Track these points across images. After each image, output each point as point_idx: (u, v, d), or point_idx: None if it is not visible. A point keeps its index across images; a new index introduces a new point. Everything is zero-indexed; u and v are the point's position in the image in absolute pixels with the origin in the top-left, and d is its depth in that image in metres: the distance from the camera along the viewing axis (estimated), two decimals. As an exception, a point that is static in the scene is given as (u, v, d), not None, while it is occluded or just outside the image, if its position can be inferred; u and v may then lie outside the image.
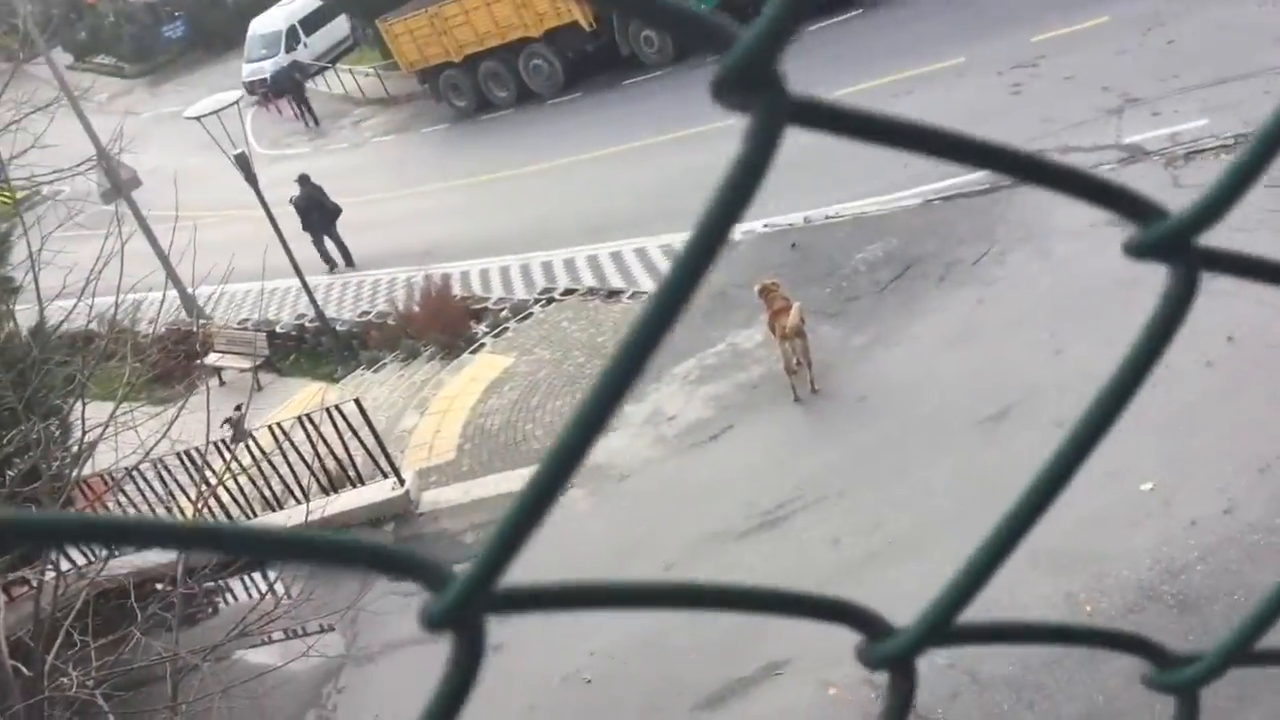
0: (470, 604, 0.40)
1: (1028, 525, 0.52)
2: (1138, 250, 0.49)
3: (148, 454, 7.64)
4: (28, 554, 7.34)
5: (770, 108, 0.39)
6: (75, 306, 7.70)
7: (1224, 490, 7.19)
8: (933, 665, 6.87)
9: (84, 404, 7.71)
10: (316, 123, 29.16)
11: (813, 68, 17.76)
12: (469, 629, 0.41)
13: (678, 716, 7.45)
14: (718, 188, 0.41)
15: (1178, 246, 0.49)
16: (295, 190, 18.33)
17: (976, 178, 12.59)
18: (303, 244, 16.33)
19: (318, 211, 18.39)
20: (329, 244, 18.94)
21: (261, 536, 0.39)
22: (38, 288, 7.85)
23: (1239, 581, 6.51)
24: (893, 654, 0.52)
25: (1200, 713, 0.57)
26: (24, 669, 6.57)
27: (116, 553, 7.53)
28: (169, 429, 7.46)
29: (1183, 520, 7.09)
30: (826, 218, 13.41)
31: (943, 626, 0.51)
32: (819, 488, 9.00)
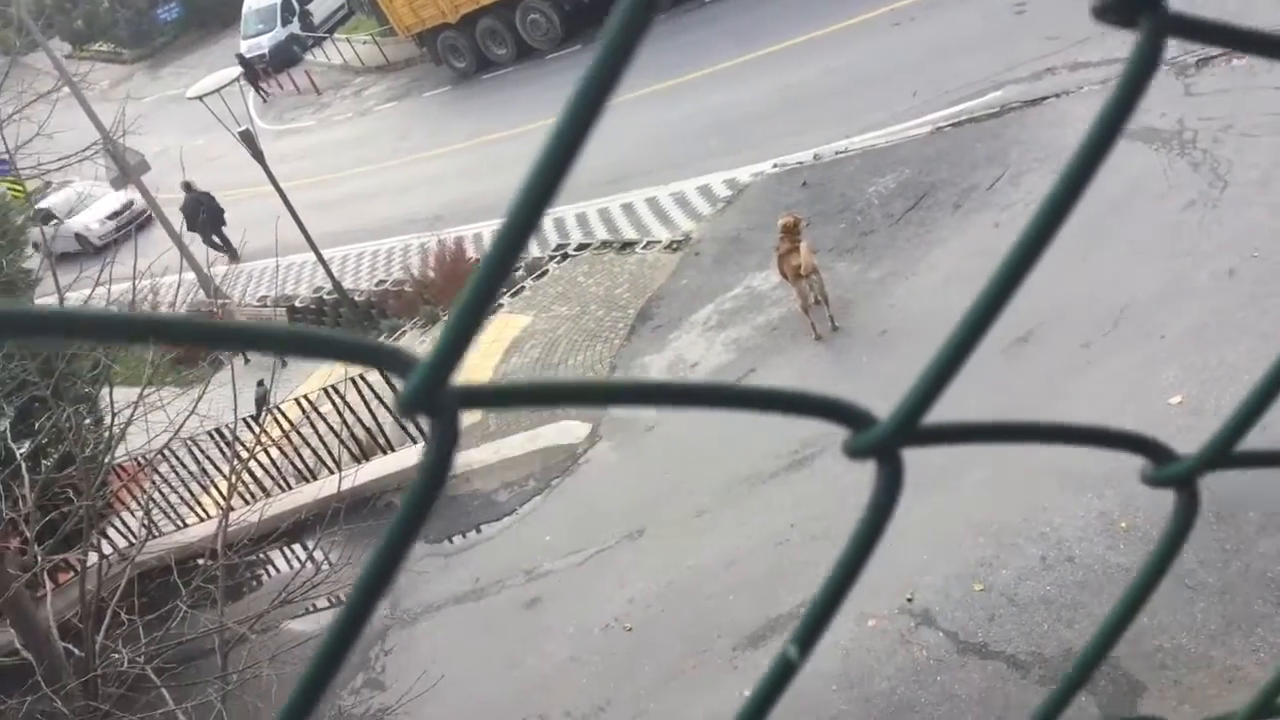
0: (897, 439, 0.48)
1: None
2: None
3: (176, 432, 7.73)
4: (69, 538, 7.46)
5: (1154, 22, 0.45)
6: (93, 292, 7.76)
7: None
8: (965, 591, 6.92)
9: (111, 388, 7.78)
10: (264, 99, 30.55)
11: (764, 15, 17.58)
12: (892, 461, 0.48)
13: (719, 656, 7.53)
14: (1110, 99, 0.46)
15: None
16: (288, 165, 18.70)
17: (986, 101, 12.44)
18: (316, 217, 16.36)
19: (204, 214, 20.35)
20: (217, 241, 20.63)
21: (694, 389, 0.45)
22: (55, 276, 7.90)
23: (1274, 490, 6.48)
24: (1180, 474, 0.59)
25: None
26: (75, 650, 6.72)
27: (154, 534, 7.65)
28: (195, 406, 7.53)
29: (1213, 431, 7.05)
30: (836, 153, 13.29)
31: (1224, 453, 0.58)
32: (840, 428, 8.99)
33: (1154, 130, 10.22)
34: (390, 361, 0.39)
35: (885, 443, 0.49)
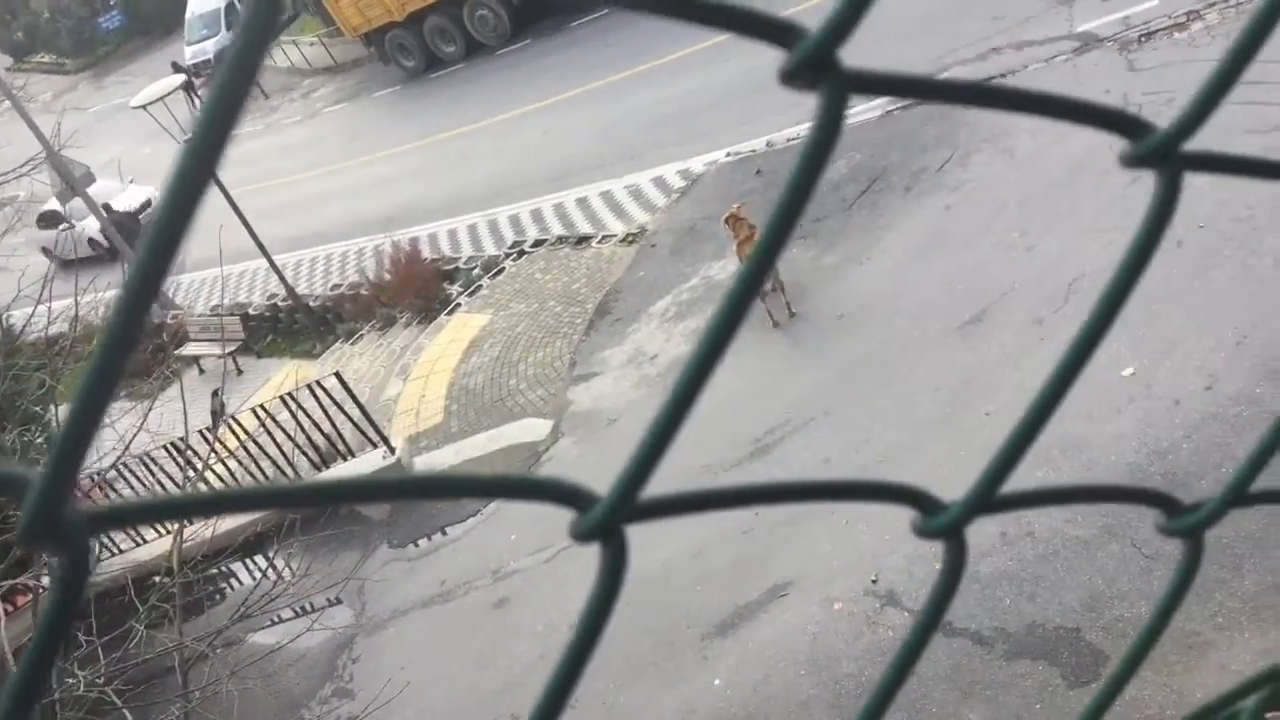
0: (616, 517, 0.48)
1: (1048, 414, 0.59)
2: (1130, 161, 0.56)
3: (126, 448, 7.59)
4: (23, 561, 7.32)
5: (835, 87, 0.46)
6: (35, 310, 7.61)
7: (1203, 367, 7.23)
8: (930, 569, 6.94)
9: (56, 407, 7.64)
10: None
11: None
12: (615, 539, 0.48)
13: (689, 647, 7.53)
14: (800, 157, 0.47)
15: (1165, 155, 0.55)
16: (237, 171, 18.53)
17: (933, 83, 12.48)
18: (267, 222, 16.14)
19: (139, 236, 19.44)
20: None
21: (425, 481, 0.45)
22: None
23: (1225, 455, 6.56)
24: (946, 525, 0.59)
25: (1203, 556, 0.66)
26: (32, 675, 6.57)
27: (109, 553, 7.53)
28: (144, 422, 7.40)
29: (1166, 401, 7.13)
30: (789, 140, 13.30)
31: (986, 498, 0.59)
32: (806, 410, 9.02)
33: (1090, 100, 10.32)
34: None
35: (606, 523, 0.48)
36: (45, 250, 21.04)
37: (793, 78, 0.46)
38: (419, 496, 0.44)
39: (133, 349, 0.34)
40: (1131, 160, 0.56)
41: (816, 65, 0.45)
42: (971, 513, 0.58)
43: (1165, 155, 0.56)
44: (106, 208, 21.62)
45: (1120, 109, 0.55)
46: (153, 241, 0.35)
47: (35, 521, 0.34)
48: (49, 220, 22.89)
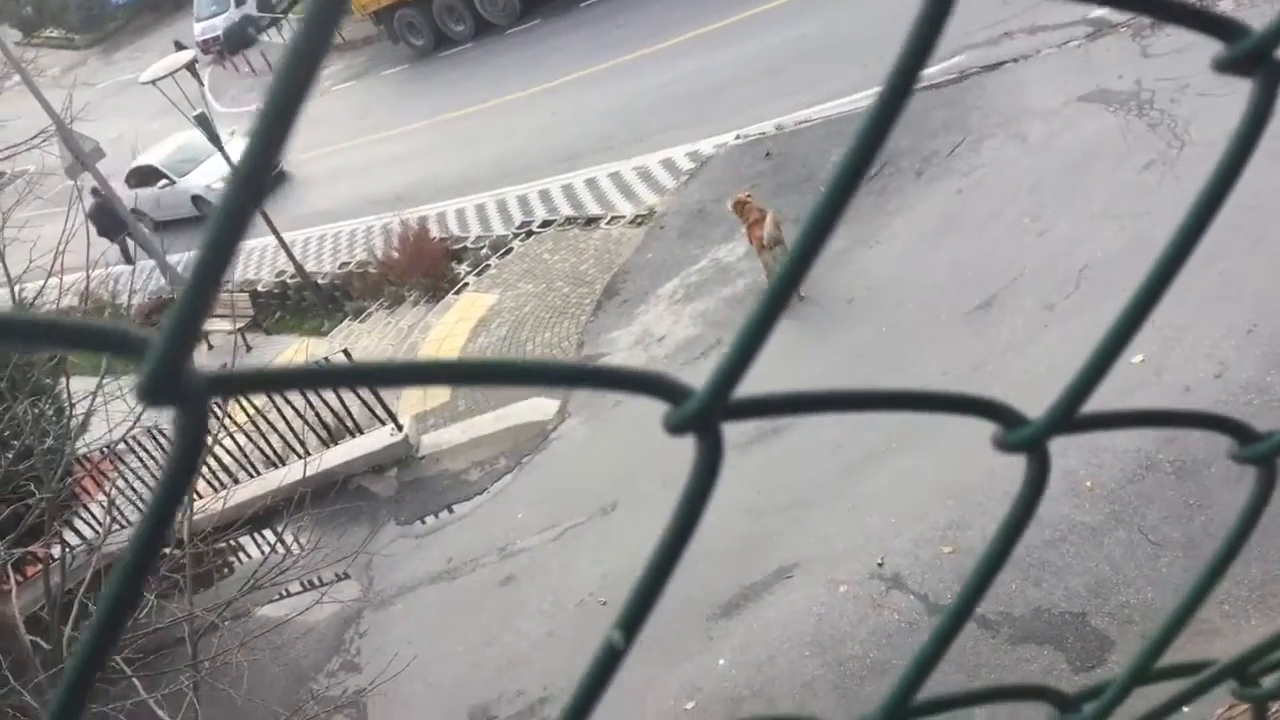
0: (711, 411, 0.48)
1: (1128, 336, 0.60)
2: (1224, 66, 0.56)
3: (137, 420, 7.63)
4: (34, 530, 7.36)
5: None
6: (46, 283, 7.63)
7: (1213, 355, 7.23)
8: (935, 553, 6.97)
9: (68, 379, 7.67)
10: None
11: None
12: (710, 434, 0.48)
13: (695, 627, 7.56)
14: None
15: (1261, 59, 0.55)
16: (233, 153, 18.33)
17: (945, 68, 12.45)
18: (275, 199, 16.16)
19: (108, 219, 19.12)
20: (129, 244, 19.81)
21: (503, 367, 0.45)
22: (5, 268, 7.76)
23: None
24: (1028, 439, 0.60)
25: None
26: (43, 643, 6.64)
27: (119, 525, 7.57)
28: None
29: (1175, 388, 7.13)
30: (798, 123, 13.27)
31: (1068, 416, 0.60)
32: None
33: (1111, 92, 10.28)
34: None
35: (701, 417, 0.48)
36: (136, 212, 19.89)
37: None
38: (511, 382, 0.45)
39: (255, 209, 0.35)
40: (1225, 64, 0.56)
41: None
42: (1053, 429, 0.59)
43: (1261, 58, 0.55)
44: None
45: (1223, 14, 0.55)
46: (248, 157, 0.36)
47: (156, 381, 0.35)
48: (143, 177, 21.36)
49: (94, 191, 19.01)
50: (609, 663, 0.50)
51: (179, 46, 29.17)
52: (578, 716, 0.52)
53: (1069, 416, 0.60)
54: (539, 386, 0.47)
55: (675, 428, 0.48)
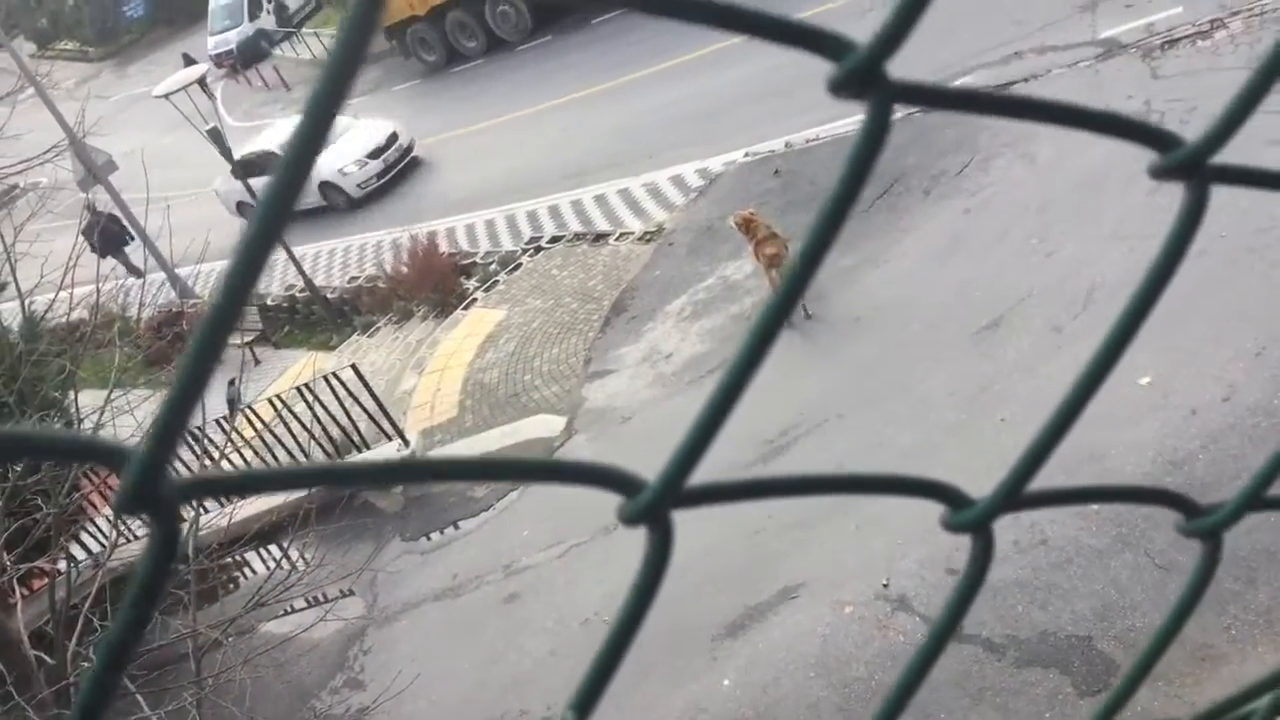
0: (663, 503, 0.49)
1: (1072, 418, 0.61)
2: (1159, 173, 0.58)
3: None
4: (41, 544, 7.38)
5: (883, 98, 0.48)
6: (56, 297, 7.67)
7: (1221, 377, 7.20)
8: (940, 575, 6.94)
9: (76, 393, 7.70)
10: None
11: None
12: (661, 524, 0.50)
13: (698, 647, 7.53)
14: (846, 164, 0.49)
15: (1193, 168, 0.57)
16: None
17: (954, 87, 12.45)
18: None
19: (104, 237, 19.08)
20: (129, 258, 20.01)
21: (468, 464, 0.46)
22: (16, 281, 7.80)
23: (1242, 466, 6.53)
24: (973, 520, 0.60)
25: (1221, 557, 0.66)
26: (47, 659, 6.65)
27: (124, 539, 7.59)
28: (163, 409, 7.44)
29: (1183, 411, 7.10)
30: (807, 141, 13.29)
31: (1013, 495, 0.60)
32: (820, 412, 9.02)
33: (1120, 113, 10.28)
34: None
35: (653, 507, 0.50)
36: (242, 205, 18.70)
37: (841, 88, 0.47)
38: (475, 479, 0.46)
39: (234, 325, 0.36)
40: (1160, 172, 0.58)
41: (864, 77, 0.47)
42: (999, 509, 0.60)
43: (1193, 168, 0.57)
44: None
45: (1149, 123, 0.56)
46: (260, 218, 0.36)
47: (133, 494, 0.36)
48: (256, 166, 18.35)
49: (90, 209, 19.15)
50: None
51: (187, 60, 29.40)
52: None
53: (1014, 495, 0.60)
54: (496, 482, 0.48)
55: (629, 520, 0.49)
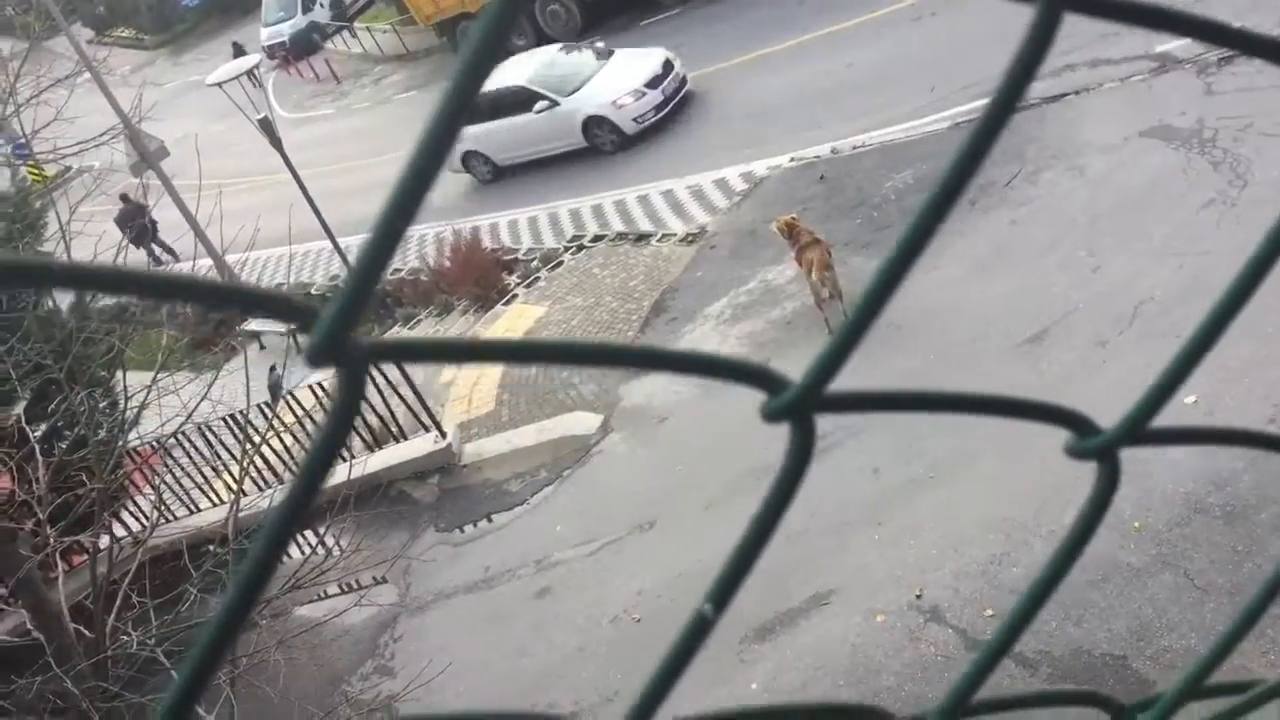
0: (806, 403, 0.50)
1: (1199, 355, 0.61)
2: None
3: (189, 417, 7.76)
4: (83, 520, 7.51)
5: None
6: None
7: (1268, 398, 7.10)
8: (975, 588, 6.89)
9: (124, 372, 7.82)
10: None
11: (740, 27, 17.57)
12: (804, 423, 0.51)
13: (728, 649, 7.53)
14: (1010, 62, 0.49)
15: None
16: (307, 153, 18.73)
17: (1005, 97, 12.35)
18: (333, 204, 16.38)
19: (130, 229, 18.65)
20: (156, 250, 20.33)
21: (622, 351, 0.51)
22: (71, 260, 7.92)
23: (1287, 490, 6.44)
24: (1099, 446, 0.61)
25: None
26: (86, 632, 6.76)
27: (167, 518, 7.70)
28: (208, 391, 7.56)
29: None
30: (854, 148, 13.23)
31: (1139, 428, 0.61)
32: (857, 419, 8.97)
33: (1173, 129, 10.14)
34: (291, 313, 0.39)
35: (795, 406, 0.50)
36: (469, 158, 17.19)
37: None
38: (637, 364, 0.50)
39: (429, 189, 0.39)
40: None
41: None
42: (1124, 438, 0.60)
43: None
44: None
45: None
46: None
47: (323, 346, 0.38)
48: (506, 103, 16.45)
49: (122, 198, 19.51)
50: (697, 633, 0.53)
51: (237, 48, 29.78)
52: (663, 687, 0.54)
53: (1139, 429, 0.61)
54: (646, 369, 0.51)
55: (771, 415, 0.51)
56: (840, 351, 0.50)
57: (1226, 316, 0.60)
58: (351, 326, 0.39)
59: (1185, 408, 7.27)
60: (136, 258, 18.60)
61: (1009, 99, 0.48)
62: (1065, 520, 7.01)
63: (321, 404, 11.04)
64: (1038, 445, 7.61)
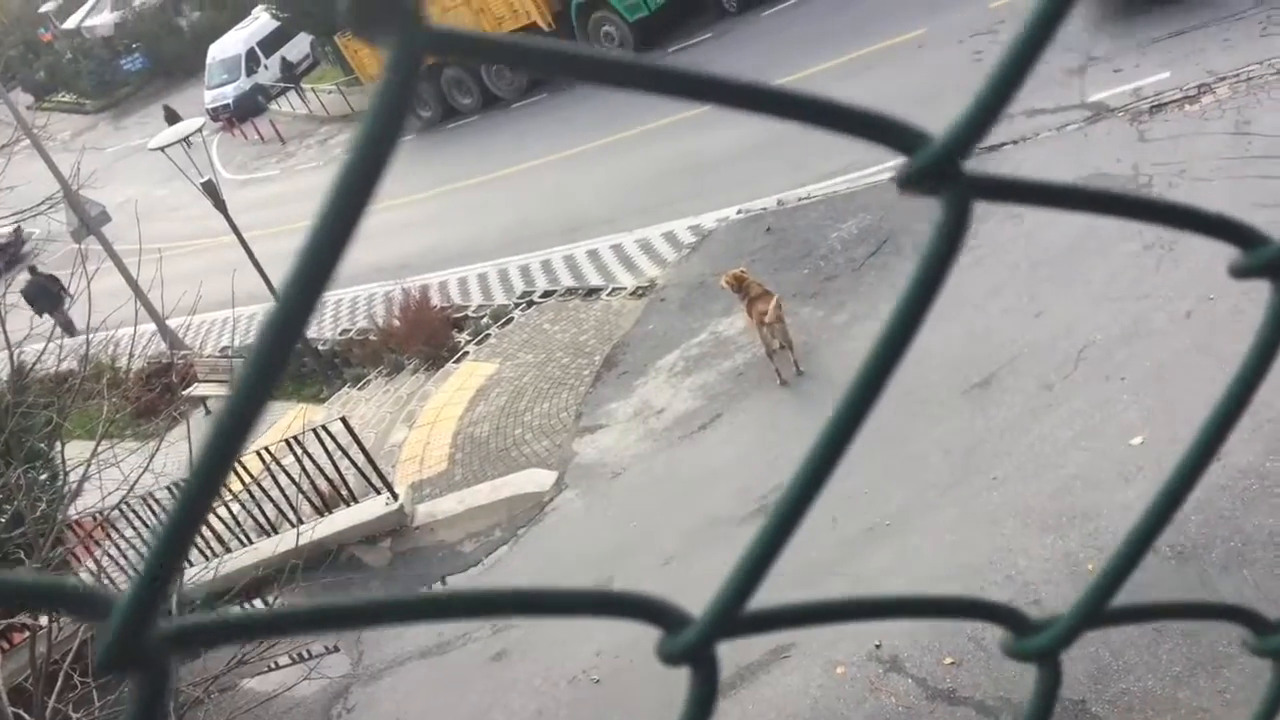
0: (710, 639, 0.44)
1: (1146, 544, 0.57)
2: (1242, 273, 0.53)
3: (131, 489, 7.58)
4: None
5: (959, 196, 0.44)
6: (45, 348, 7.64)
7: (1213, 439, 7.20)
8: (933, 637, 6.87)
9: (62, 445, 7.64)
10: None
11: (771, 50, 17.82)
12: (707, 662, 0.45)
13: (688, 708, 7.42)
14: (921, 261, 0.45)
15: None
16: (252, 215, 18.67)
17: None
18: (280, 266, 16.25)
19: (44, 298, 19.48)
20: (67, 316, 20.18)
21: (494, 597, 0.44)
22: (5, 332, 7.76)
23: (1234, 528, 6.52)
24: (1040, 648, 0.56)
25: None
26: (26, 716, 6.52)
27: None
28: (149, 462, 7.39)
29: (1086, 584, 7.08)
30: (799, 199, 13.40)
31: (1092, 616, 0.56)
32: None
33: (1108, 175, 10.38)
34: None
35: (701, 645, 0.45)
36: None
37: (912, 183, 0.44)
38: (498, 614, 0.44)
39: (232, 462, 0.33)
40: (1243, 271, 0.55)
41: (940, 172, 0.44)
42: (1068, 638, 0.56)
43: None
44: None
45: (1240, 221, 0.54)
46: (285, 302, 0.35)
47: (117, 649, 0.32)
48: None
49: (30, 269, 19.79)
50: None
51: (169, 112, 29.70)
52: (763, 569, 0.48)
53: (1093, 616, 0.57)
54: (526, 617, 0.44)
55: (670, 658, 0.44)
56: (752, 573, 0.45)
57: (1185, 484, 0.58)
58: (153, 619, 0.32)
59: (1131, 450, 7.37)
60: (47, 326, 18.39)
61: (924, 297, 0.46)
62: (1020, 565, 7.05)
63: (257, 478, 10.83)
64: (991, 496, 7.66)
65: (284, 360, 0.34)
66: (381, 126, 0.33)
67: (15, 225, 19.68)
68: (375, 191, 0.34)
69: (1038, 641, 0.56)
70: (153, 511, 11.09)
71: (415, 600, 0.39)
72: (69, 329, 19.50)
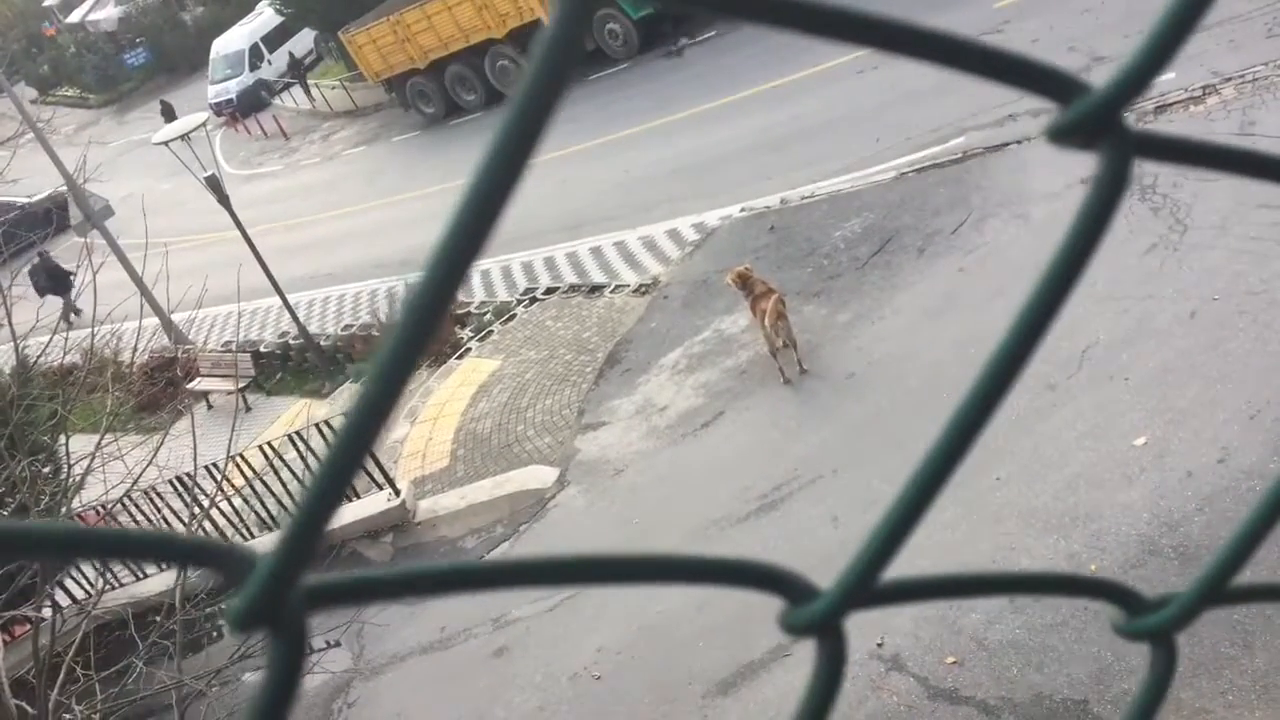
0: (840, 612, 0.43)
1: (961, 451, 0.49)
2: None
3: (135, 482, 7.58)
4: (25, 591, 7.28)
5: (1120, 151, 0.42)
6: (50, 341, 7.64)
7: (1216, 440, 7.20)
8: (936, 633, 6.88)
9: (67, 438, 7.65)
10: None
11: (779, 46, 17.81)
12: (834, 635, 0.44)
13: (690, 705, 7.44)
14: (1078, 219, 0.43)
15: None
16: (255, 210, 18.80)
17: (948, 146, 12.60)
18: (282, 261, 16.28)
19: (49, 281, 20.17)
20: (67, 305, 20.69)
21: (623, 563, 0.41)
22: (11, 325, 7.77)
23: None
24: (1155, 626, 0.53)
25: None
26: (28, 708, 6.53)
27: (111, 586, 7.50)
28: (154, 456, 7.40)
29: (1178, 472, 7.10)
30: (803, 198, 13.39)
31: (1209, 597, 0.53)
32: (814, 467, 8.99)
33: None
34: (221, 562, 0.32)
35: (829, 617, 0.44)
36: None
37: (1066, 135, 0.41)
38: (632, 580, 0.41)
39: (386, 418, 0.33)
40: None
41: (1099, 124, 0.41)
42: (1186, 617, 0.54)
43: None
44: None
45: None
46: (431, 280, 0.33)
47: (259, 606, 0.32)
48: None
49: (39, 253, 19.80)
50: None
51: (165, 106, 29.73)
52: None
53: (1210, 597, 0.55)
54: (653, 583, 0.43)
55: (796, 630, 0.42)
56: (886, 546, 0.43)
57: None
58: (297, 579, 0.32)
59: (1134, 450, 7.37)
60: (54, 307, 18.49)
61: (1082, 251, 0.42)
62: (1023, 565, 7.04)
63: (275, 467, 10.84)
64: (994, 495, 7.66)
65: (453, 293, 0.35)
66: (552, 66, 0.32)
67: (47, 254, 20.18)
68: (543, 136, 0.33)
69: (1153, 620, 0.53)
70: (155, 506, 11.10)
71: (545, 563, 0.39)
72: (69, 315, 19.63)
